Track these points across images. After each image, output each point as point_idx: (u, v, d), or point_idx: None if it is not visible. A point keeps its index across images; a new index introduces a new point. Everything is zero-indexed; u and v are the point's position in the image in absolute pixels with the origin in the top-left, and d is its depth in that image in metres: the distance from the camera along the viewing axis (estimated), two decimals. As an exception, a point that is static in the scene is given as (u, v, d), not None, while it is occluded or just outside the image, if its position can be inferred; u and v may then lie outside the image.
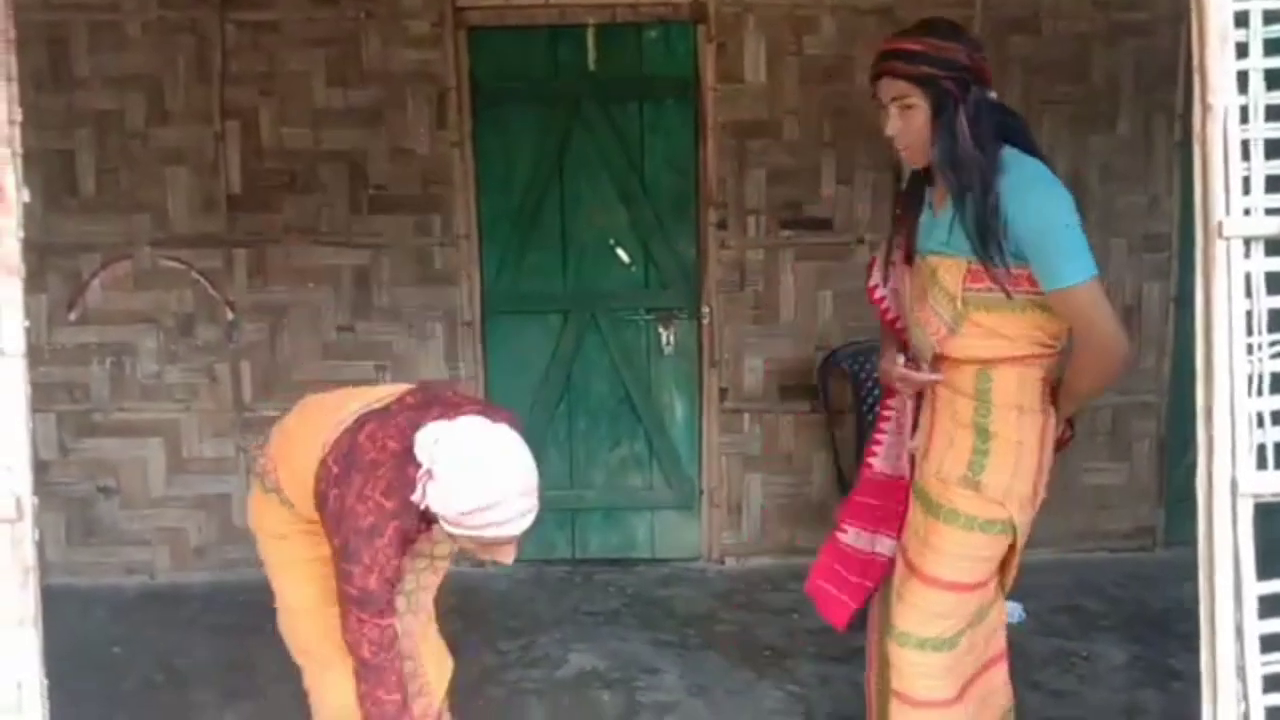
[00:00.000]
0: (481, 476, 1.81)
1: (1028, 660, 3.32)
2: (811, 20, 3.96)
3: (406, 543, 1.97)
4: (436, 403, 2.09)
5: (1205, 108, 1.42)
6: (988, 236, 1.97)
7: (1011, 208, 1.96)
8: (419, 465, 1.87)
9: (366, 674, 1.97)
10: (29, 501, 1.39)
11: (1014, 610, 3.66)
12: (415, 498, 1.87)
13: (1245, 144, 1.43)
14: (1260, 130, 1.44)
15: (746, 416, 4.17)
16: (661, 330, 4.14)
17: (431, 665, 2.32)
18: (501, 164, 4.03)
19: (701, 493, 4.21)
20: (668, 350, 4.15)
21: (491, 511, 1.82)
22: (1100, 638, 3.51)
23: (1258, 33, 1.42)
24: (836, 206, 4.04)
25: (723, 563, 4.21)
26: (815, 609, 2.51)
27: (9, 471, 1.37)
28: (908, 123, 2.05)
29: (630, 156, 4.04)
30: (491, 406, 2.12)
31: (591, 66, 3.98)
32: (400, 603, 2.13)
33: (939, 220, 2.12)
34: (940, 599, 2.13)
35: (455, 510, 1.82)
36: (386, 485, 1.91)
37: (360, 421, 2.05)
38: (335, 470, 1.98)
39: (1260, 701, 1.45)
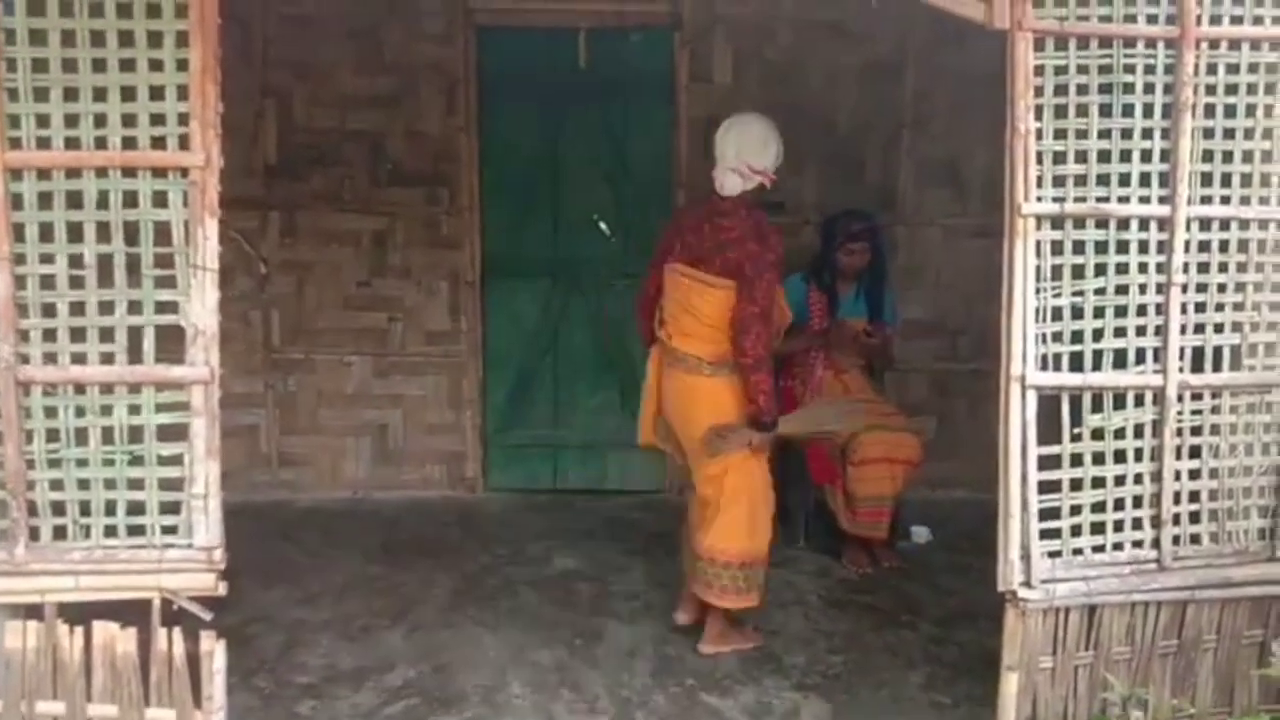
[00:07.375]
0: None
1: (930, 568, 4.06)
2: (771, 31, 4.57)
3: None
4: None
5: (1014, 130, 2.12)
6: None
7: None
8: None
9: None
10: (217, 371, 2.03)
11: (922, 532, 4.39)
12: None
13: (1039, 154, 2.13)
14: (1049, 146, 2.14)
15: (705, 370, 4.79)
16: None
17: None
18: (502, 146, 4.60)
19: (666, 435, 4.83)
20: (640, 311, 4.75)
21: None
22: (993, 555, 4.22)
23: (1049, 80, 2.12)
24: (787, 192, 4.55)
25: (681, 494, 4.82)
26: None
27: (206, 350, 2.00)
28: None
29: (614, 143, 4.62)
30: None
31: (583, 65, 4.52)
32: None
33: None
34: None
35: None
36: None
37: None
38: None
39: (1036, 526, 2.17)
